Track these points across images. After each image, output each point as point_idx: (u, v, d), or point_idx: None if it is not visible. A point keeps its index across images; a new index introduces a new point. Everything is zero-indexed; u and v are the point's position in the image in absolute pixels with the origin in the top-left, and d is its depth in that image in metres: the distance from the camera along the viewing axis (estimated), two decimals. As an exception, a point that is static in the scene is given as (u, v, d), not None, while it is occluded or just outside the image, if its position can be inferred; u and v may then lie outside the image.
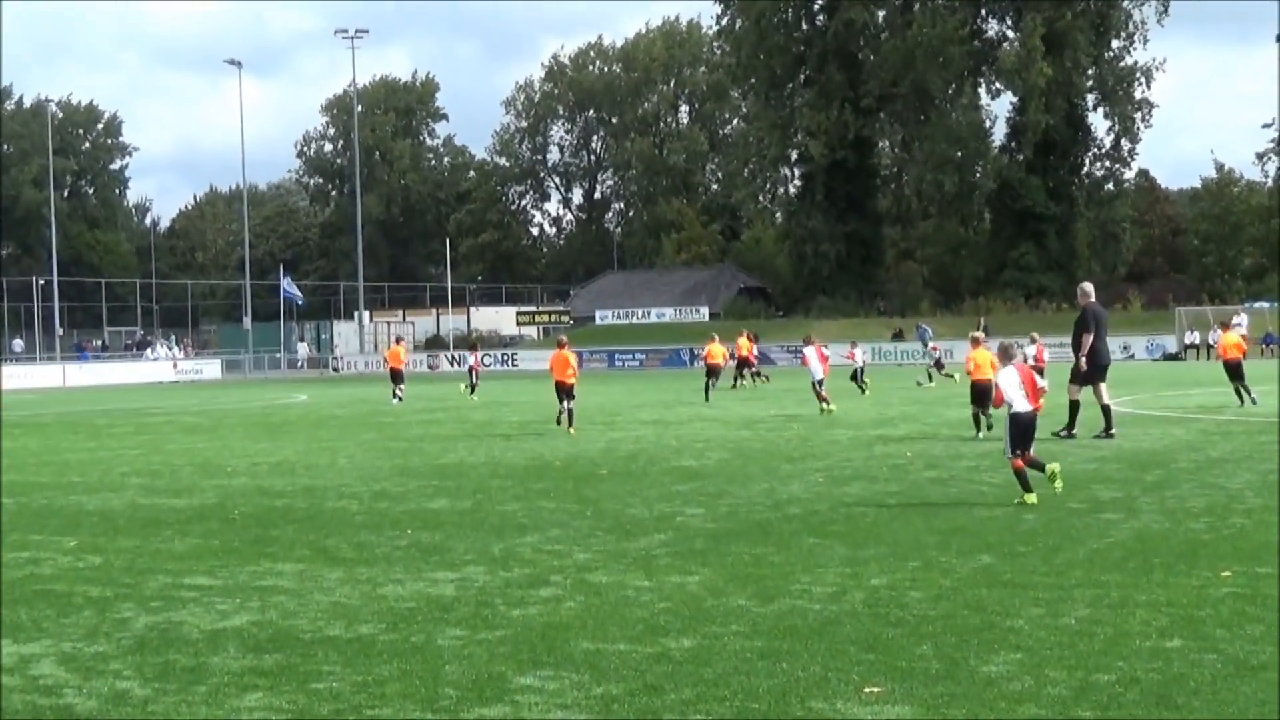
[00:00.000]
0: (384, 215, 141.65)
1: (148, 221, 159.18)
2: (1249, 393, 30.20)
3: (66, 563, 12.92)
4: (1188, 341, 72.42)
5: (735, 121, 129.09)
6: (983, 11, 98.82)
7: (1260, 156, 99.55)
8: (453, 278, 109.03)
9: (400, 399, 42.73)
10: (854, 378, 41.18)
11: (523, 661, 8.57)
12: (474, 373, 45.79)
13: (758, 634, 9.12)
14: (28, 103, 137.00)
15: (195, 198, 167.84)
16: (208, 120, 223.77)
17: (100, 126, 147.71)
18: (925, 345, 55.12)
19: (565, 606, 10.23)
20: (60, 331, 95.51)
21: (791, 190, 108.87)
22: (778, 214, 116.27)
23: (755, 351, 48.22)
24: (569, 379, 28.60)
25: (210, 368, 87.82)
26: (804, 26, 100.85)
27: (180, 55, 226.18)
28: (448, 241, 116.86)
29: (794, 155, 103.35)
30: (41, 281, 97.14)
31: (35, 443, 29.48)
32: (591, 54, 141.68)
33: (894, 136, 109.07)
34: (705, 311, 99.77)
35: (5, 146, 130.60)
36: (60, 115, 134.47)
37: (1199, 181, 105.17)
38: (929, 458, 20.50)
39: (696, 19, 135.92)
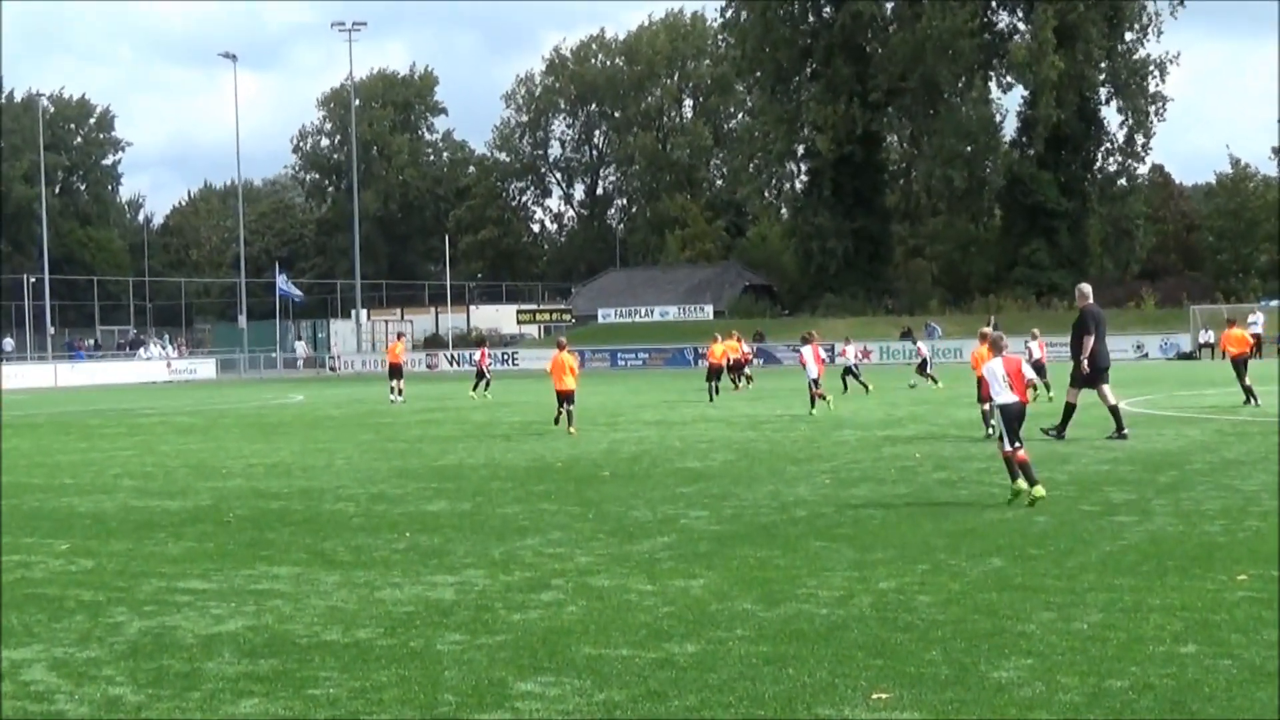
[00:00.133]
0: (382, 212, 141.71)
1: (141, 218, 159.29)
2: (1253, 394, 30.49)
3: (58, 566, 12.92)
4: (1202, 340, 72.35)
5: (740, 116, 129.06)
6: (993, 3, 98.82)
7: (1277, 151, 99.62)
8: (452, 275, 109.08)
9: (401, 395, 43.01)
10: (845, 375, 41.28)
11: (523, 667, 8.57)
12: (483, 369, 46.00)
13: (763, 639, 9.12)
14: (19, 97, 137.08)
15: (189, 194, 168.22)
16: (202, 115, 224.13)
17: (92, 121, 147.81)
18: (931, 341, 55.16)
19: (567, 611, 10.23)
20: (52, 330, 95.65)
21: (798, 186, 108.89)
22: (783, 210, 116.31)
23: (745, 352, 48.24)
24: (569, 386, 28.42)
25: (205, 367, 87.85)
26: (810, 19, 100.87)
27: (174, 48, 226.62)
28: (447, 238, 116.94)
29: (800, 150, 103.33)
30: (32, 279, 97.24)
31: (27, 444, 29.49)
32: (593, 47, 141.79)
33: (902, 131, 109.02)
34: (709, 310, 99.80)
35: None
36: (52, 109, 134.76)
37: (1214, 177, 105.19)
38: (938, 459, 20.49)
39: (701, 11, 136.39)
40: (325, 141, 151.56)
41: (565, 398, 28.44)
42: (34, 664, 9.02)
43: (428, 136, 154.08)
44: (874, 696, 7.74)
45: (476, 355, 47.72)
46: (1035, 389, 33.66)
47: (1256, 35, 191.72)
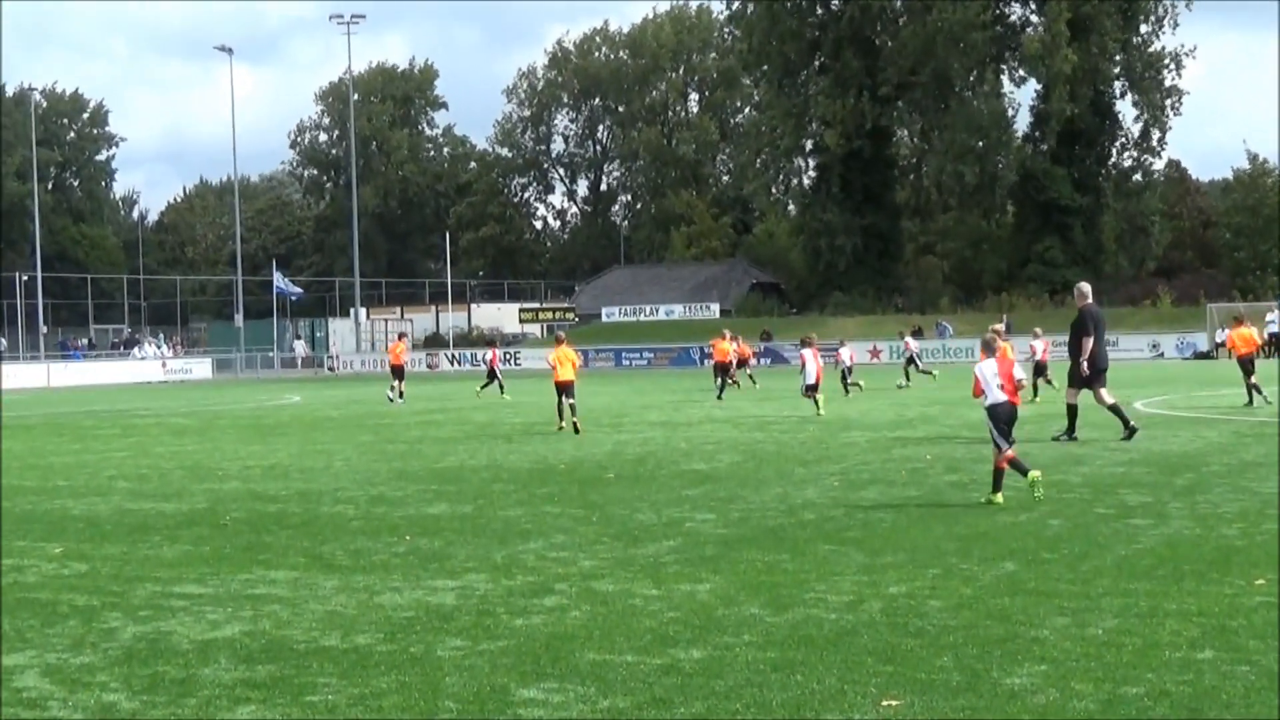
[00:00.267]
0: (381, 208, 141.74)
1: (135, 215, 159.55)
2: (1260, 391, 30.70)
3: (51, 570, 12.93)
4: (1219, 339, 72.20)
5: (747, 110, 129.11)
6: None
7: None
8: (453, 273, 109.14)
9: (401, 398, 43.07)
10: (843, 378, 41.37)
11: (526, 673, 8.57)
12: (494, 370, 46.13)
13: (771, 645, 9.12)
14: (10, 91, 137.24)
15: (184, 190, 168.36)
16: (197, 109, 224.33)
17: (86, 116, 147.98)
18: (943, 340, 55.17)
19: (570, 616, 10.24)
20: (44, 330, 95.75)
21: (806, 182, 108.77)
22: (791, 206, 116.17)
23: (734, 353, 48.47)
24: (568, 376, 28.91)
25: (200, 367, 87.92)
26: (819, 11, 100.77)
27: (169, 42, 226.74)
28: (447, 235, 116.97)
29: (808, 145, 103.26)
30: (25, 278, 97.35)
31: (19, 445, 29.52)
32: (597, 40, 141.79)
33: (913, 126, 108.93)
34: (716, 308, 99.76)
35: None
36: (44, 104, 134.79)
37: (1230, 172, 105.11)
38: (949, 460, 20.48)
39: (706, 3, 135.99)
40: (323, 137, 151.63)
41: (564, 389, 28.76)
42: (26, 670, 9.02)
43: (428, 131, 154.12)
44: (884, 704, 7.73)
45: (489, 355, 47.84)
46: (1030, 389, 34.15)
47: (1274, 28, 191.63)
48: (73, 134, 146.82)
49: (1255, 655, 8.54)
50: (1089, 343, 23.27)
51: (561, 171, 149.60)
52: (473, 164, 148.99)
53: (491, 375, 46.01)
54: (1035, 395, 34.56)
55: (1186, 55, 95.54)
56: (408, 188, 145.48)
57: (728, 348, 43.96)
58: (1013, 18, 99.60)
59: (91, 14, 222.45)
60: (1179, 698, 7.70)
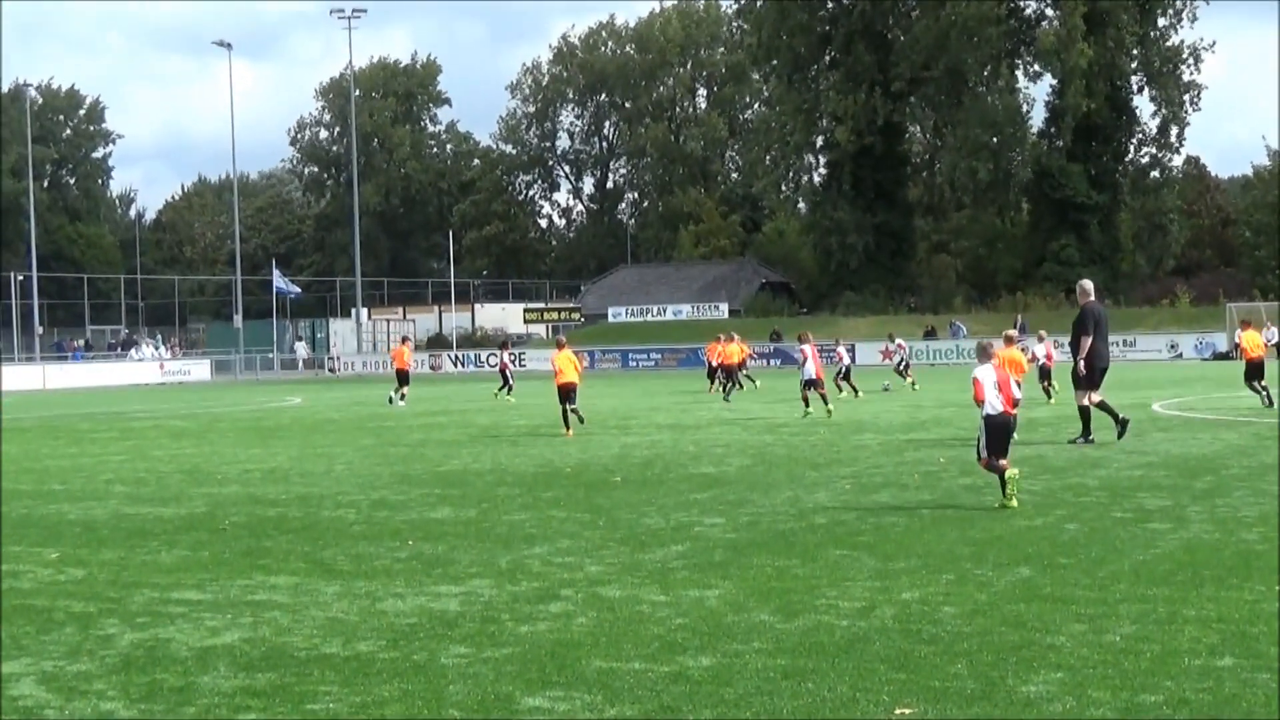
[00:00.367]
0: (383, 206, 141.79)
1: (132, 213, 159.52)
2: (1265, 392, 31.03)
3: (47, 576, 12.95)
4: (1238, 340, 72.21)
5: (756, 106, 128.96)
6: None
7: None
8: (456, 273, 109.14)
9: (403, 401, 43.03)
10: (840, 379, 41.40)
11: (531, 681, 8.57)
12: (506, 372, 46.27)
13: (781, 652, 9.12)
14: (5, 87, 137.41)
15: (183, 188, 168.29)
16: (196, 106, 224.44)
17: (82, 112, 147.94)
18: (957, 340, 55.13)
19: (576, 622, 10.24)
20: (40, 330, 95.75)
21: (816, 179, 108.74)
22: (801, 204, 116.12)
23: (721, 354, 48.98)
24: (571, 379, 29.15)
25: (199, 369, 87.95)
26: (829, 4, 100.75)
27: (167, 36, 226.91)
28: (450, 234, 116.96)
29: (819, 142, 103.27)
30: (20, 277, 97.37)
31: (14, 449, 29.55)
32: (603, 34, 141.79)
33: (925, 122, 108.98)
34: (725, 308, 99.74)
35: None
36: (40, 100, 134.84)
37: (1250, 169, 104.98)
38: (963, 463, 20.45)
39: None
40: (324, 133, 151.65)
41: (566, 393, 28.99)
42: (22, 678, 9.03)
43: (430, 128, 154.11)
44: (897, 712, 7.73)
45: (503, 356, 48.07)
46: (1043, 393, 34.40)
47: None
48: (69, 131, 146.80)
49: (1276, 662, 8.53)
50: (1087, 341, 23.36)
51: (567, 169, 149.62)
52: (476, 161, 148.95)
53: (504, 377, 46.17)
54: (1050, 397, 34.79)
55: (1205, 49, 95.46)
56: (410, 185, 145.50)
57: (735, 349, 44.40)
58: (1028, 11, 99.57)
59: (88, 8, 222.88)
60: (1198, 706, 7.69)
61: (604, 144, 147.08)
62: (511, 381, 45.97)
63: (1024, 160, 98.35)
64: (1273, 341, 62.97)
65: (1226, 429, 25.96)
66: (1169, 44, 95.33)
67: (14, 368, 78.73)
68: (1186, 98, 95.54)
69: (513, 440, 28.06)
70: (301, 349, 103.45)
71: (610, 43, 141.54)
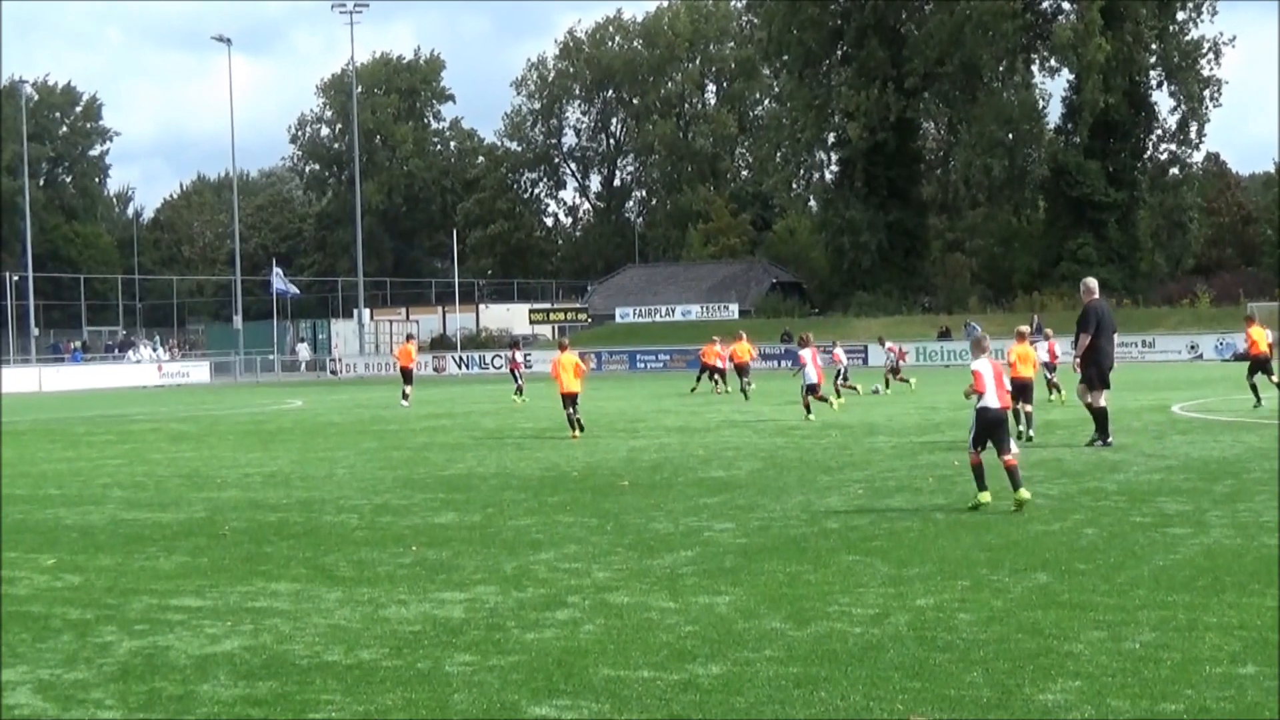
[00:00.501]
0: (385, 205, 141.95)
1: (130, 212, 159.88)
2: (1256, 392, 31.63)
3: (43, 582, 12.95)
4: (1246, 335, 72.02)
5: (766, 102, 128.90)
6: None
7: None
8: (460, 272, 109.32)
9: (407, 403, 43.31)
10: (836, 380, 41.49)
11: (537, 690, 8.57)
12: (516, 372, 46.49)
13: (793, 660, 9.11)
14: (0, 83, 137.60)
15: (181, 186, 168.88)
16: (195, 102, 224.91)
17: (79, 109, 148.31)
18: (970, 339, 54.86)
19: (584, 630, 10.24)
20: (36, 332, 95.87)
21: (828, 177, 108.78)
22: (813, 202, 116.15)
23: (717, 355, 49.55)
24: (573, 388, 29.53)
25: (198, 370, 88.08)
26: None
27: (165, 32, 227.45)
28: (454, 233, 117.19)
29: (831, 139, 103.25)
30: (15, 278, 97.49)
31: (9, 452, 29.55)
32: (610, 29, 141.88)
33: (939, 118, 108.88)
34: (734, 309, 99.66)
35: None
36: (35, 97, 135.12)
37: (1272, 166, 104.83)
38: (979, 467, 20.43)
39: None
40: (325, 130, 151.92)
41: (570, 400, 29.37)
42: (19, 687, 9.04)
43: (434, 125, 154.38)
44: (911, 721, 7.74)
45: (515, 358, 48.33)
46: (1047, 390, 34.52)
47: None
48: (65, 128, 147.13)
49: (1299, 670, 8.52)
50: (1084, 339, 23.48)
51: (573, 166, 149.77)
52: (481, 159, 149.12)
53: (515, 377, 46.41)
54: (1056, 395, 35.01)
55: (1225, 44, 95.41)
56: (413, 183, 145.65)
57: (745, 347, 44.75)
58: (1044, 5, 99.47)
59: (84, 3, 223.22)
60: (1220, 714, 7.68)
61: (611, 141, 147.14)
62: (520, 382, 46.10)
63: (1040, 157, 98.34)
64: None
65: (1248, 431, 25.90)
66: (1188, 38, 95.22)
67: (10, 370, 78.81)
68: (1206, 93, 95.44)
69: (518, 443, 28.06)
70: (303, 350, 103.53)
71: (617, 38, 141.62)
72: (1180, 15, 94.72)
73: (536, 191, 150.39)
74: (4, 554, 14.66)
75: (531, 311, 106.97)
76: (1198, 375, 51.79)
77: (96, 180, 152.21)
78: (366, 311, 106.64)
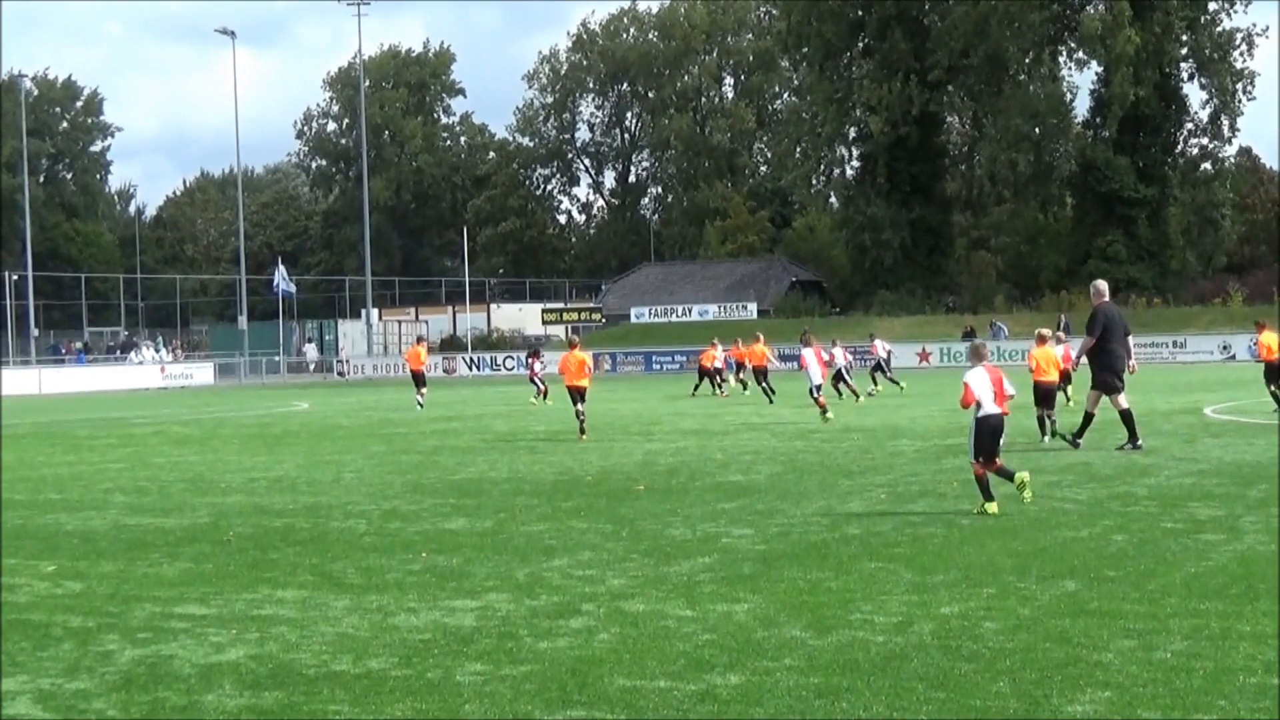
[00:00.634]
0: (394, 202, 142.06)
1: (132, 210, 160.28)
2: (1278, 399, 31.47)
3: (44, 589, 12.99)
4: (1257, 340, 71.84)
5: (786, 95, 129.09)
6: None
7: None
8: (471, 271, 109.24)
9: (422, 402, 43.70)
10: (837, 381, 41.48)
11: (551, 700, 8.57)
12: (536, 378, 46.62)
13: (814, 669, 9.11)
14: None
15: (185, 183, 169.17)
16: (198, 97, 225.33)
17: (79, 104, 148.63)
18: (997, 342, 54.97)
19: (598, 639, 10.24)
20: (35, 333, 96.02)
21: (849, 172, 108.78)
22: (833, 199, 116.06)
23: (720, 357, 49.89)
24: (581, 383, 30.05)
25: (202, 372, 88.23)
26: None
27: (168, 24, 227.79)
28: (465, 231, 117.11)
29: (852, 133, 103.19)
30: (14, 277, 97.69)
31: (10, 456, 29.62)
32: (624, 20, 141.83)
33: (964, 112, 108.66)
34: (753, 308, 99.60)
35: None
36: (35, 92, 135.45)
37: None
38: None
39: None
40: (332, 126, 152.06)
41: (578, 394, 29.89)
42: (19, 696, 9.06)
43: (444, 119, 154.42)
44: (936, 733, 7.73)
45: (533, 367, 48.45)
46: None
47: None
48: (65, 123, 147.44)
49: (1336, 681, 8.50)
50: (1087, 342, 23.68)
51: (587, 162, 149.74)
52: (492, 154, 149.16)
53: (535, 384, 46.48)
54: (1068, 400, 35.08)
55: (1259, 35, 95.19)
56: (422, 180, 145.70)
57: (761, 350, 44.74)
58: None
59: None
60: (1254, 727, 7.67)
61: (626, 136, 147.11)
62: (544, 386, 46.17)
63: (1068, 152, 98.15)
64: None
65: (1282, 435, 25.84)
66: (1221, 29, 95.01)
67: (9, 371, 79.01)
68: (1239, 86, 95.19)
69: (531, 447, 28.08)
70: (310, 351, 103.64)
71: (632, 29, 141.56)
72: (1212, 5, 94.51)
73: (549, 188, 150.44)
74: (4, 560, 14.70)
75: (544, 311, 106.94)
76: (1230, 376, 51.66)
77: (98, 177, 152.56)
78: (374, 312, 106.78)
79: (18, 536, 16.64)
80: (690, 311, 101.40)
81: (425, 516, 17.42)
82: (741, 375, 50.40)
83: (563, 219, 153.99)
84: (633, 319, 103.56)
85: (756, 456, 24.45)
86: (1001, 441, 16.54)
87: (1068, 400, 34.84)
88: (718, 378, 49.30)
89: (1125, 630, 9.95)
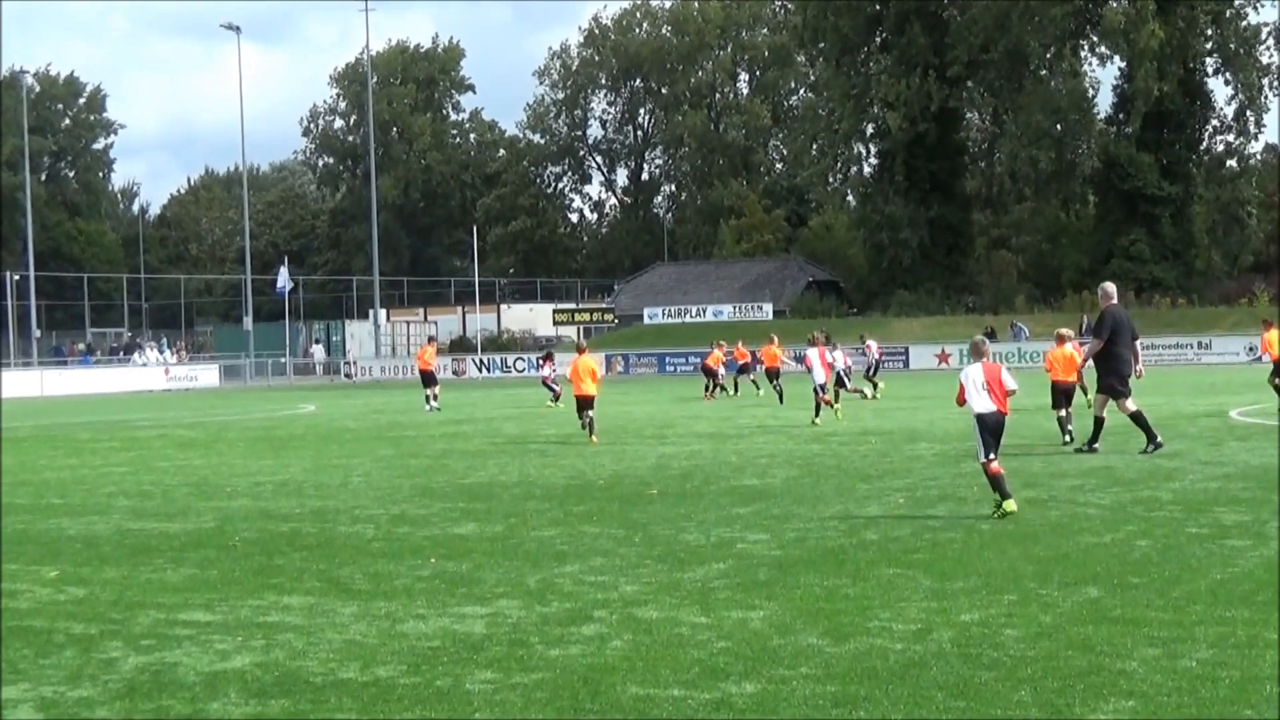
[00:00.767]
0: (402, 200, 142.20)
1: (135, 208, 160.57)
2: None
3: (46, 595, 13.01)
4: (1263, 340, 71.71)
5: (802, 91, 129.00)
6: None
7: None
8: (480, 271, 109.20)
9: (435, 403, 43.92)
10: (837, 385, 41.55)
11: (563, 708, 8.58)
12: (549, 383, 46.77)
13: (831, 677, 9.10)
14: (0, 74, 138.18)
15: (189, 181, 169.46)
16: (203, 93, 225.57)
17: (82, 101, 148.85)
18: (1019, 343, 54.73)
19: (611, 646, 10.25)
20: (38, 334, 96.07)
21: (867, 170, 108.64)
22: (851, 197, 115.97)
23: (723, 358, 50.12)
24: (589, 392, 29.98)
25: (206, 374, 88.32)
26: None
27: (172, 20, 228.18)
28: (475, 230, 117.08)
29: (869, 130, 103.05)
30: (16, 277, 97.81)
31: (10, 460, 29.67)
32: (637, 15, 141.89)
33: (984, 108, 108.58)
34: (769, 309, 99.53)
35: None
36: (37, 88, 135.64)
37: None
38: (1025, 475, 20.39)
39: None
40: (339, 123, 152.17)
41: (585, 404, 29.88)
42: (20, 704, 9.08)
43: (453, 116, 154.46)
44: (956, 743, 7.72)
45: (545, 370, 48.61)
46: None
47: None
48: (68, 120, 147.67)
49: (1366, 690, 8.48)
50: (1094, 345, 23.78)
51: (599, 160, 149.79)
52: (502, 152, 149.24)
53: (549, 388, 46.56)
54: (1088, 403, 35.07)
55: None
56: (431, 178, 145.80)
57: (775, 350, 44.94)
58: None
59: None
60: (1282, 737, 7.65)
61: (639, 133, 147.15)
62: (557, 389, 46.25)
63: (1090, 149, 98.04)
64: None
65: (1310, 438, 25.80)
66: (1246, 24, 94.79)
67: (11, 373, 79.13)
68: (1265, 81, 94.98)
69: (542, 450, 28.09)
70: (318, 352, 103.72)
71: (645, 24, 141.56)
72: (1237, 0, 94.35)
73: (560, 186, 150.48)
74: (5, 566, 14.72)
75: (555, 312, 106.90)
76: (1256, 379, 51.46)
77: (100, 175, 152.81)
78: (383, 312, 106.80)
79: (19, 541, 16.67)
80: (705, 312, 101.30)
81: (434, 521, 17.44)
82: (752, 376, 50.49)
83: (574, 217, 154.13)
84: (646, 320, 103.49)
85: (772, 460, 24.45)
86: (1001, 441, 16.55)
87: (1088, 403, 34.78)
88: (713, 380, 49.18)
89: (1149, 638, 9.94)
